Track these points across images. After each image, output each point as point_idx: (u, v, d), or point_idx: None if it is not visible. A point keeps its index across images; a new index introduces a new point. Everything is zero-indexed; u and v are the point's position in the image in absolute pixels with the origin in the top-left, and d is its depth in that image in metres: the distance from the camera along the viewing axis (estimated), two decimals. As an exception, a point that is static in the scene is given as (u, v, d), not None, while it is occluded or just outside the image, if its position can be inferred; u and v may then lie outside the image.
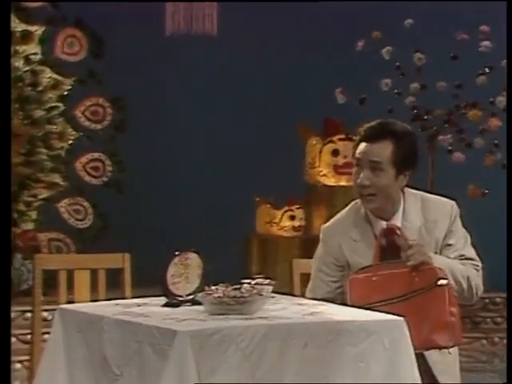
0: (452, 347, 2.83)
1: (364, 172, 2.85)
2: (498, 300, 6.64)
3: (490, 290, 6.71)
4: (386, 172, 2.84)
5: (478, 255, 2.98)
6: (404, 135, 2.88)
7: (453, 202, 2.95)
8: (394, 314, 2.63)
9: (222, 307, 2.55)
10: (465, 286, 2.87)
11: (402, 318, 2.64)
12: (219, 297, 2.57)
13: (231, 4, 6.61)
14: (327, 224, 3.01)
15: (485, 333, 6.37)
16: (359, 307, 2.74)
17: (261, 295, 2.63)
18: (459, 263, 2.90)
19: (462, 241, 2.94)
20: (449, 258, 2.90)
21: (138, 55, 7.08)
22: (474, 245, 2.98)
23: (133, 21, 6.99)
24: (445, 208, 2.92)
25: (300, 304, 2.83)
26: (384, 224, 2.91)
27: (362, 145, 2.88)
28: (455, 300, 2.81)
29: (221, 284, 2.68)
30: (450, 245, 2.91)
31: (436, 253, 2.91)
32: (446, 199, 2.97)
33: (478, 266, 2.94)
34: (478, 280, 2.91)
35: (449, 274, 2.82)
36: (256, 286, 2.70)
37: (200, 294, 2.63)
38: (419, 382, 2.62)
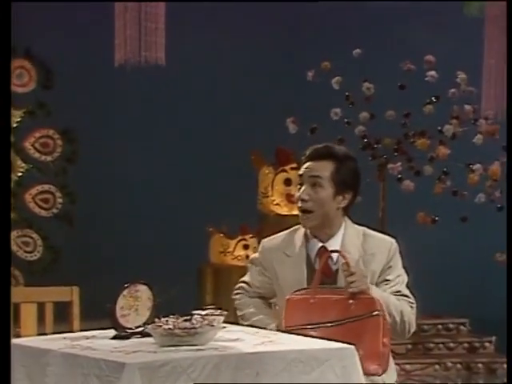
0: (380, 375, 2.86)
1: (304, 187, 2.97)
2: (451, 326, 6.70)
3: (443, 315, 6.79)
4: (324, 188, 2.96)
5: (412, 293, 3.05)
6: (345, 158, 3.01)
7: (393, 240, 3.05)
8: (328, 338, 2.70)
9: (173, 339, 2.54)
10: (398, 319, 2.94)
11: (352, 347, 2.65)
12: (169, 328, 2.55)
13: (180, 33, 6.63)
14: (267, 239, 3.14)
15: (438, 358, 6.41)
16: (293, 327, 2.80)
17: (212, 326, 2.61)
18: (394, 298, 2.97)
19: (399, 278, 3.01)
20: (384, 289, 2.97)
21: (87, 86, 7.06)
22: (408, 286, 3.05)
23: (81, 51, 6.98)
24: (384, 243, 3.01)
25: (252, 333, 2.82)
26: (319, 245, 3.00)
27: (306, 163, 3.03)
28: (388, 331, 2.88)
29: (171, 316, 2.66)
30: (387, 280, 2.98)
31: (372, 283, 2.97)
32: (386, 236, 3.07)
33: (412, 303, 3.00)
34: (411, 317, 2.98)
35: (384, 307, 2.89)
36: (207, 317, 2.68)
37: (150, 326, 2.61)
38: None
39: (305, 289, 2.93)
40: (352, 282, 2.84)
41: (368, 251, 2.97)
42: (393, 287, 2.97)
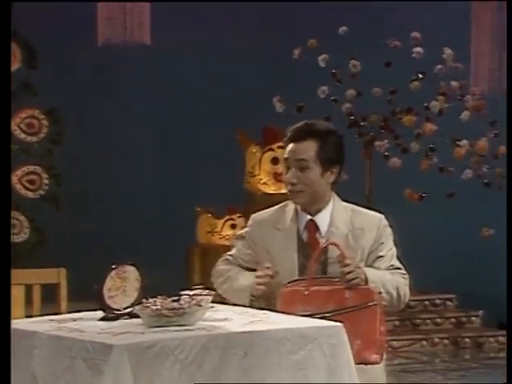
0: (379, 364, 2.90)
1: (291, 170, 2.97)
2: (438, 301, 6.74)
3: (430, 291, 6.82)
4: (311, 169, 2.96)
5: (404, 266, 3.09)
6: (327, 134, 3.00)
7: (381, 216, 3.07)
8: None
9: (161, 319, 2.53)
10: (395, 295, 2.98)
11: (340, 324, 2.65)
12: (157, 309, 2.55)
13: (165, 12, 6.58)
14: (257, 213, 3.13)
15: (425, 334, 6.45)
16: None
17: (200, 306, 2.61)
18: (389, 273, 3.01)
19: (390, 252, 3.04)
20: (379, 268, 3.00)
21: (72, 66, 7.01)
22: (398, 257, 3.10)
23: (66, 31, 6.92)
24: (373, 219, 3.03)
25: (240, 313, 2.82)
26: (308, 218, 3.01)
27: (289, 146, 3.01)
28: (384, 319, 2.91)
29: (159, 296, 2.66)
30: (381, 256, 3.01)
31: (361, 261, 3.00)
32: (375, 212, 3.09)
33: (405, 274, 3.05)
34: (405, 289, 3.03)
35: (381, 286, 2.93)
36: (195, 297, 2.68)
37: (137, 307, 2.60)
38: (359, 387, 2.64)
39: (299, 280, 2.93)
40: (347, 274, 2.87)
41: (356, 226, 2.99)
42: (385, 262, 3.00)
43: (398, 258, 3.07)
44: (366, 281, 2.91)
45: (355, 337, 2.69)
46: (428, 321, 6.61)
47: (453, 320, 6.70)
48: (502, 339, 6.50)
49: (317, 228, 2.98)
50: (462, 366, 6.03)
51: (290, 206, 3.05)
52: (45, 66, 6.52)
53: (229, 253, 3.16)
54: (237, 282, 3.05)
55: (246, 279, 3.02)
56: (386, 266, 3.00)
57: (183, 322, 2.54)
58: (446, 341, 6.48)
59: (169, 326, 2.52)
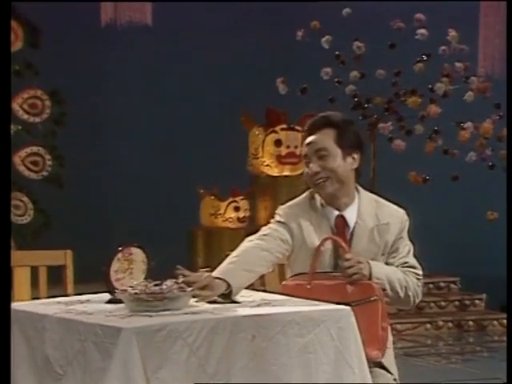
0: (381, 359, 2.89)
1: (312, 162, 2.96)
2: (442, 284, 6.74)
3: (434, 274, 6.82)
4: (332, 156, 2.94)
5: (419, 262, 3.06)
6: (344, 123, 2.99)
7: (404, 211, 3.05)
8: None
9: (141, 304, 2.49)
10: (402, 295, 2.95)
11: (348, 308, 2.65)
12: (135, 293, 2.51)
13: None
14: (285, 206, 3.05)
15: (429, 317, 6.45)
16: None
17: (183, 291, 2.56)
18: (401, 271, 2.98)
19: (406, 248, 3.01)
20: (393, 264, 2.98)
21: (74, 46, 6.97)
22: (415, 255, 3.06)
23: (68, 11, 6.88)
24: (398, 213, 3.01)
25: (248, 296, 2.81)
26: (336, 213, 2.97)
27: (306, 140, 3.00)
28: (386, 315, 2.90)
29: (145, 280, 2.64)
30: (396, 251, 2.99)
31: (383, 255, 2.98)
32: (398, 207, 3.06)
33: (419, 274, 3.01)
34: (417, 289, 2.99)
35: (386, 284, 2.91)
36: (178, 282, 2.62)
37: (117, 291, 2.58)
38: (367, 371, 2.63)
39: (302, 273, 2.91)
40: (348, 268, 2.85)
41: (382, 220, 2.96)
42: (401, 259, 2.98)
43: (416, 257, 3.02)
44: (370, 276, 2.89)
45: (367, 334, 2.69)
46: (432, 304, 6.61)
47: (457, 303, 6.70)
48: (506, 322, 6.51)
49: (346, 223, 2.94)
50: (466, 349, 6.04)
51: (315, 202, 2.99)
52: (48, 46, 6.49)
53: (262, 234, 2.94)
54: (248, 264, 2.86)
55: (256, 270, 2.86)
56: (400, 263, 2.97)
57: (165, 307, 2.49)
58: (450, 324, 6.48)
59: (150, 310, 2.47)
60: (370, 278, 2.87)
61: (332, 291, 2.84)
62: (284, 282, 2.92)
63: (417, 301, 2.98)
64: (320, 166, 2.93)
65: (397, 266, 2.97)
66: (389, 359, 2.94)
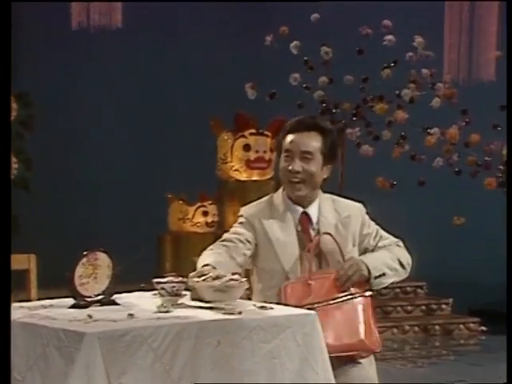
0: (378, 350, 2.98)
1: (295, 160, 3.00)
2: (409, 289, 6.78)
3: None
4: (315, 160, 3.01)
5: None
6: (330, 130, 3.07)
7: (360, 203, 3.15)
8: (328, 317, 2.81)
9: (218, 295, 2.60)
10: (400, 268, 3.05)
11: (314, 313, 2.66)
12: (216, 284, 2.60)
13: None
14: (247, 206, 3.11)
15: (395, 321, 6.49)
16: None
17: (242, 283, 2.66)
18: (385, 250, 3.06)
19: (375, 227, 3.11)
20: (371, 245, 3.07)
21: (43, 49, 6.92)
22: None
23: (38, 13, 6.83)
24: (355, 205, 3.12)
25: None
26: (301, 210, 3.06)
27: (291, 136, 3.02)
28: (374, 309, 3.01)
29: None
30: (367, 234, 3.07)
31: (354, 246, 3.06)
32: (353, 201, 3.17)
33: (399, 242, 3.11)
34: (405, 255, 3.09)
35: (385, 268, 3.00)
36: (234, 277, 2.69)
37: (196, 279, 2.63)
38: (332, 375, 2.64)
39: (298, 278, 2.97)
40: (348, 270, 2.93)
41: (342, 214, 3.06)
42: (375, 238, 3.07)
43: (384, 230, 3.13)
44: (368, 270, 2.95)
45: (359, 325, 2.82)
46: (399, 308, 6.65)
47: (423, 307, 6.75)
48: (472, 326, 6.56)
49: (309, 220, 3.03)
50: (432, 353, 6.08)
51: (278, 199, 3.06)
52: (16, 48, 6.44)
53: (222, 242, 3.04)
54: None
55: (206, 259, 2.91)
56: (376, 241, 3.06)
57: (233, 298, 2.63)
58: (417, 328, 6.53)
59: (221, 301, 2.59)
60: (369, 273, 2.94)
61: (333, 284, 2.90)
62: (285, 283, 2.94)
63: (410, 264, 3.07)
64: (302, 167, 2.98)
65: (378, 248, 3.06)
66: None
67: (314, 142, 2.98)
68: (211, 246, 3.02)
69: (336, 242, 2.97)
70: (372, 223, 3.10)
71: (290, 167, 2.98)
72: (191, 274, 2.74)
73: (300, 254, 2.98)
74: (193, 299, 2.72)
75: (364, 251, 3.05)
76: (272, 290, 2.96)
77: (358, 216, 3.06)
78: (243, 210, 3.08)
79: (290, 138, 3.00)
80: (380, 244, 3.06)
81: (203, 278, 2.69)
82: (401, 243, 3.09)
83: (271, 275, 2.98)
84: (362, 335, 2.88)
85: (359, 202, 3.14)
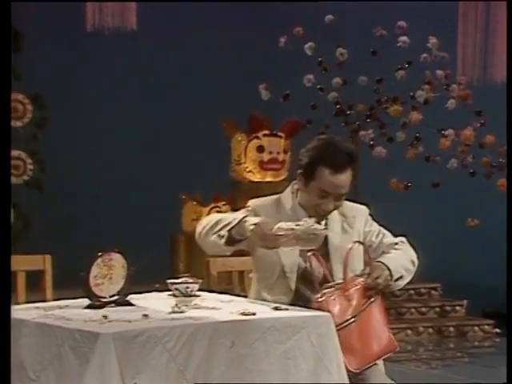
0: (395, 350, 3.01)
1: (331, 201, 3.01)
2: (423, 290, 6.76)
3: (415, 280, 6.83)
4: (344, 195, 3.06)
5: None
6: (357, 159, 3.08)
7: (364, 205, 3.18)
8: (361, 327, 2.84)
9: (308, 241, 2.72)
10: (412, 268, 3.08)
11: (328, 314, 2.66)
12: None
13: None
14: (256, 199, 3.14)
15: (409, 323, 6.47)
16: (341, 324, 2.81)
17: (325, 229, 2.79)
18: (400, 252, 3.06)
19: (378, 226, 3.13)
20: (373, 241, 3.08)
21: (56, 50, 6.95)
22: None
23: (52, 14, 6.86)
24: (360, 207, 3.14)
25: (227, 301, 2.81)
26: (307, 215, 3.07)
27: (329, 177, 2.98)
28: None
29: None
30: (369, 231, 3.10)
31: (361, 243, 3.07)
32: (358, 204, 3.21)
33: (403, 240, 3.11)
34: (414, 254, 3.11)
35: (403, 270, 3.02)
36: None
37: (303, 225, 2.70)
38: (345, 376, 2.64)
39: (327, 288, 2.95)
40: (376, 278, 2.94)
41: (348, 215, 3.08)
42: (378, 235, 3.09)
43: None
44: (391, 274, 2.97)
45: (385, 328, 2.87)
46: (413, 310, 6.63)
47: (437, 309, 6.72)
48: (487, 328, 6.53)
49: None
50: (447, 355, 6.06)
51: (287, 202, 3.07)
52: (30, 49, 6.46)
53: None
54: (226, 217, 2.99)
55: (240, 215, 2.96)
56: (379, 238, 3.07)
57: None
58: (431, 330, 6.50)
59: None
60: (391, 276, 2.96)
61: (363, 293, 2.91)
62: (321, 299, 2.88)
63: (417, 261, 3.08)
64: (335, 205, 3.01)
65: (387, 246, 3.07)
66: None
67: (348, 181, 2.98)
68: (208, 217, 3.10)
69: (366, 252, 2.98)
70: (374, 223, 3.12)
71: (323, 207, 2.99)
72: (275, 228, 2.77)
73: (300, 250, 2.98)
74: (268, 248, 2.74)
75: (366, 248, 3.05)
76: (266, 281, 2.97)
77: (362, 217, 3.10)
78: (251, 202, 3.12)
79: (327, 178, 2.94)
80: (385, 241, 3.06)
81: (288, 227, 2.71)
82: (405, 239, 3.10)
83: (268, 266, 2.98)
84: (391, 335, 2.93)
85: (364, 204, 3.17)
